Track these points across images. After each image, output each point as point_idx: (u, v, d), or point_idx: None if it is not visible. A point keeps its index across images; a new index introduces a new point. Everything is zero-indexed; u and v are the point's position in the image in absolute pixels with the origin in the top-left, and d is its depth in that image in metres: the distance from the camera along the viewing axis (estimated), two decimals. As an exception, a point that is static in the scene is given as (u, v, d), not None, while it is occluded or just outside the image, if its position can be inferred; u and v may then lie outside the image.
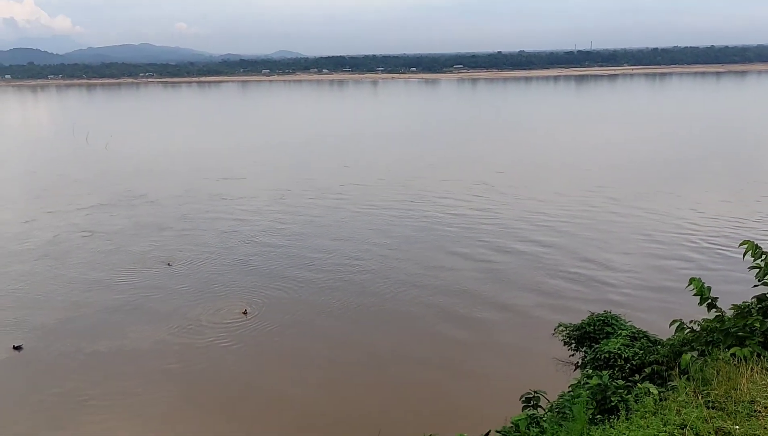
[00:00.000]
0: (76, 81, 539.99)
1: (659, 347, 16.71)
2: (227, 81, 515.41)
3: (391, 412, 32.22)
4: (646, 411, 10.07)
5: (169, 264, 56.83)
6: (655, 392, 12.87)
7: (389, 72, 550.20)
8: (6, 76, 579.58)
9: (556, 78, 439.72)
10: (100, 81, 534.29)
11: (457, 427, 16.43)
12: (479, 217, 72.01)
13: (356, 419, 31.77)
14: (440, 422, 30.80)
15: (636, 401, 13.68)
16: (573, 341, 22.04)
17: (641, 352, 16.90)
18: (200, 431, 31.86)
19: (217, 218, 74.66)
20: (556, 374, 22.53)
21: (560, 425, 13.34)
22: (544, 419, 14.23)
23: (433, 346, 40.22)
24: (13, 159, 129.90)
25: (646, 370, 15.89)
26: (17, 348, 40.38)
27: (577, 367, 21.35)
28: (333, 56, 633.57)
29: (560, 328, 22.63)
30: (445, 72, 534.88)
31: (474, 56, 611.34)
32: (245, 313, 45.23)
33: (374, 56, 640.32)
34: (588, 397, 15.01)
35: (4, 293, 50.76)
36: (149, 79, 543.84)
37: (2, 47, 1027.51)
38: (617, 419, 11.62)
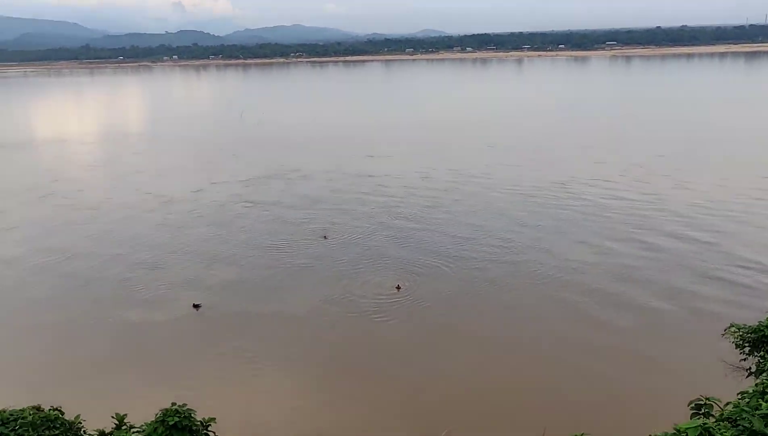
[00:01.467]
0: (233, 61, 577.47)
1: None
2: (372, 60, 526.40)
3: (540, 409, 31.78)
4: None
5: (324, 237, 59.55)
6: None
7: (535, 49, 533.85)
8: (174, 56, 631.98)
9: (722, 55, 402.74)
10: (254, 61, 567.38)
11: (611, 429, 15.88)
12: (631, 206, 68.45)
13: (504, 414, 31.61)
14: (594, 423, 30.07)
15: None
16: (747, 345, 20.54)
17: (837, 364, 15.33)
18: (347, 405, 33.25)
19: (366, 195, 77.50)
20: (725, 379, 21.33)
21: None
22: (715, 428, 13.25)
23: (572, 347, 38.94)
24: (180, 133, 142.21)
25: (842, 385, 14.47)
26: (196, 306, 44.44)
27: (750, 374, 19.92)
28: (477, 34, 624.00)
29: (732, 329, 21.20)
30: (596, 49, 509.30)
31: (630, 32, 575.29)
32: (398, 288, 46.42)
33: (520, 33, 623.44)
34: (770, 410, 13.90)
35: (183, 256, 56.27)
36: (299, 59, 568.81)
37: (170, 29, 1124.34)
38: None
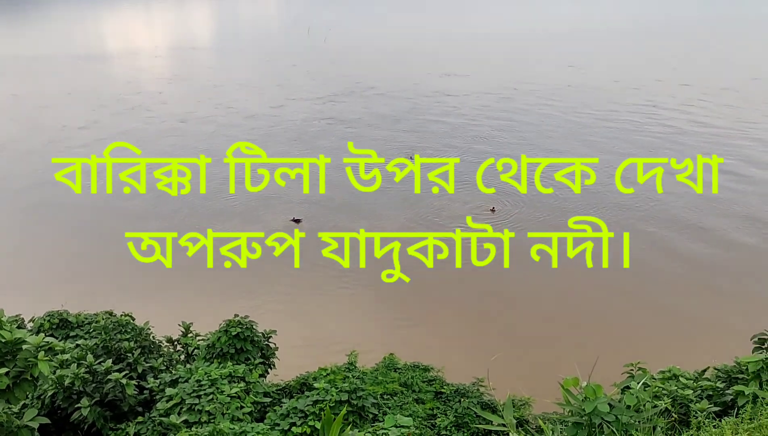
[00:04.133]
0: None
1: None
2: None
3: (597, 338, 31.37)
4: None
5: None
6: None
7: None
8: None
9: None
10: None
11: (669, 360, 15.76)
12: (718, 134, 64.25)
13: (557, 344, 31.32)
14: (649, 354, 29.38)
15: None
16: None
17: None
18: (414, 327, 33.17)
19: (446, 114, 76.41)
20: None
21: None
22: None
23: (643, 279, 37.62)
24: (250, 48, 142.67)
25: None
26: (296, 221, 44.55)
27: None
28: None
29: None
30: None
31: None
32: (493, 210, 45.91)
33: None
34: None
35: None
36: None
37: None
38: None
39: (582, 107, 78.08)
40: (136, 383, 16.26)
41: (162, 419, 14.60)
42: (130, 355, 17.05)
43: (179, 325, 20.42)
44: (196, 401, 15.07)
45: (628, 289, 36.52)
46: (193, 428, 14.24)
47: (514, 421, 6.82)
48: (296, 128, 71.22)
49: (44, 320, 18.88)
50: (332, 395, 15.04)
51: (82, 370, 15.27)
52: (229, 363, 16.76)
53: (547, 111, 76.84)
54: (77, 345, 17.21)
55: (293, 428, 14.40)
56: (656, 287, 36.52)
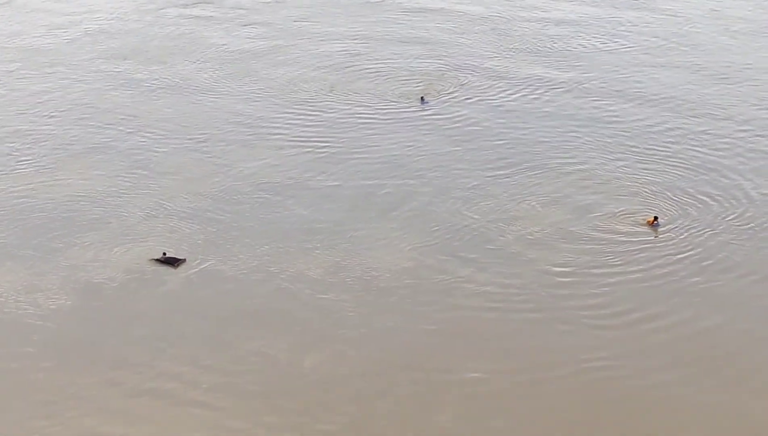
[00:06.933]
0: None
1: None
2: None
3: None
4: None
5: (422, 98, 52.15)
6: None
7: None
8: None
9: None
10: None
11: None
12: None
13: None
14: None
15: None
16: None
17: None
18: None
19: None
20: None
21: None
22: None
23: None
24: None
25: None
26: (171, 263, 35.51)
27: None
28: None
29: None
30: None
31: None
32: (654, 223, 36.00)
33: None
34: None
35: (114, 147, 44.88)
36: None
37: None
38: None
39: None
40: None
41: None
42: None
43: None
44: None
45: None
46: None
47: None
48: (127, 33, 60.66)
49: None
50: None
51: None
52: None
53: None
54: None
55: None
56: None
